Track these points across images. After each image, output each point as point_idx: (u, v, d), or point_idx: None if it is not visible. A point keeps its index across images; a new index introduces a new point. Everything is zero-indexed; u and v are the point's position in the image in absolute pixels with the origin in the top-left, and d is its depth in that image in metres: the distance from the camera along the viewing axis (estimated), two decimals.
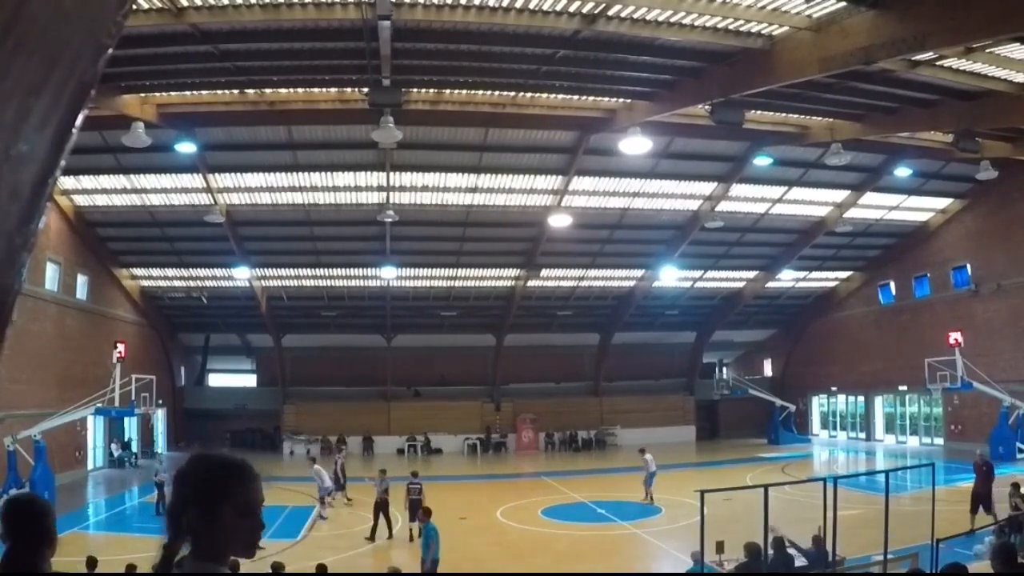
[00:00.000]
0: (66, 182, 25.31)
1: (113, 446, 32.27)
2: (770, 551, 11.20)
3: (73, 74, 0.88)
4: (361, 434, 38.54)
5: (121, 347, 27.01)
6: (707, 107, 19.17)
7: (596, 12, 15.29)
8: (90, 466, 30.03)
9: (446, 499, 22.02)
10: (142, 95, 19.81)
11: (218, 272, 33.58)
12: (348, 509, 21.91)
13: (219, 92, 20.30)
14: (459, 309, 37.32)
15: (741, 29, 16.04)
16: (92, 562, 11.23)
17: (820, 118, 22.34)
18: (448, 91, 20.65)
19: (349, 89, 20.09)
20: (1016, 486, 15.40)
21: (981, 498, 16.10)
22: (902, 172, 27.30)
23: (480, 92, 20.50)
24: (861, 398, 38.93)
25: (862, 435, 38.60)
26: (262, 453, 36.60)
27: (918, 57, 16.51)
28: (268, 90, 20.35)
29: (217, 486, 1.74)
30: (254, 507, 1.77)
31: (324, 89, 20.48)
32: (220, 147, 23.77)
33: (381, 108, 18.79)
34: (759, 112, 21.46)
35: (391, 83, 17.84)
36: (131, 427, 34.63)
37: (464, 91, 20.55)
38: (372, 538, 17.58)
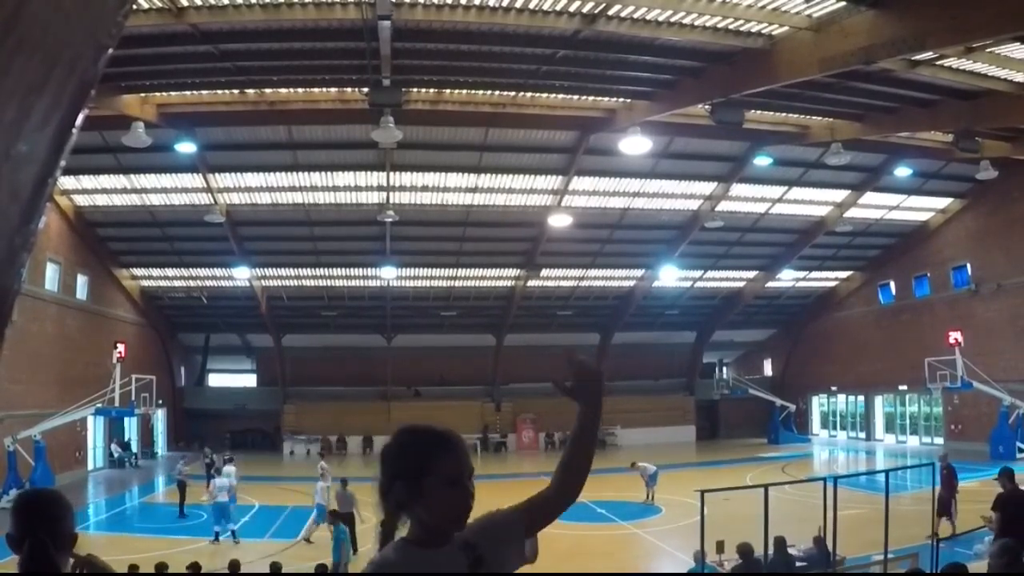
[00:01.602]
0: (66, 182, 25.30)
1: (113, 446, 32.26)
2: (770, 551, 11.20)
3: (73, 74, 0.88)
4: (361, 434, 38.55)
5: (121, 347, 27.05)
6: (707, 107, 19.17)
7: (596, 12, 15.29)
8: (90, 466, 30.03)
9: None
10: (142, 95, 19.81)
11: (218, 272, 33.58)
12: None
13: (219, 92, 20.29)
14: (459, 309, 37.32)
15: (741, 29, 16.03)
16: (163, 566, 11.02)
17: (820, 118, 22.34)
18: (448, 91, 20.64)
19: (349, 89, 20.08)
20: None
21: (943, 503, 15.23)
22: (902, 172, 27.29)
23: (480, 92, 20.49)
24: (861, 398, 38.93)
25: (862, 435, 38.60)
26: (262, 453, 36.61)
27: (918, 57, 16.50)
28: (268, 90, 20.35)
29: (420, 457, 1.74)
30: (460, 477, 1.74)
31: (324, 89, 20.47)
32: (220, 147, 23.77)
33: (381, 108, 18.79)
34: (759, 112, 21.45)
35: (391, 83, 17.84)
36: (131, 427, 34.63)
37: (464, 91, 20.55)
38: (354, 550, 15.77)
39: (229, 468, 21.16)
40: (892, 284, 36.85)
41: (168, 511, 21.38)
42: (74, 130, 0.92)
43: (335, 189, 26.65)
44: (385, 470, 1.78)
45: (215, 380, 45.08)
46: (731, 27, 15.95)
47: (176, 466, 22.71)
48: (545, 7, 15.35)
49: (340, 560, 13.46)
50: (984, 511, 14.42)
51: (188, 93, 20.20)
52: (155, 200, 27.06)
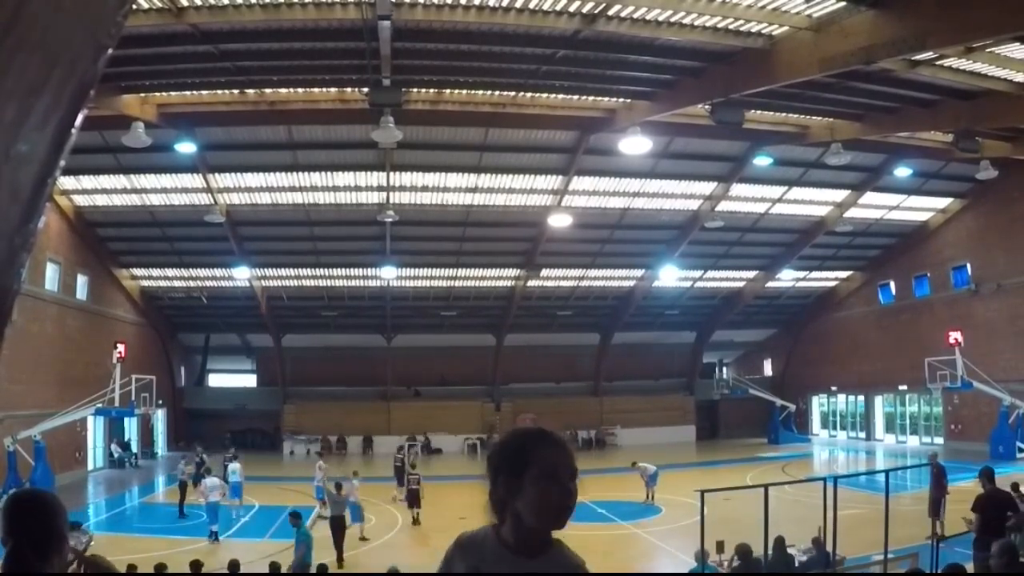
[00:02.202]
0: (66, 182, 25.31)
1: (113, 446, 32.25)
2: (770, 551, 11.20)
3: (73, 74, 0.88)
4: (361, 434, 38.59)
5: (121, 347, 27.04)
6: (707, 107, 19.17)
7: (596, 12, 15.29)
8: (90, 466, 30.02)
9: (446, 499, 22.00)
10: (142, 95, 19.81)
11: (218, 272, 33.58)
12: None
13: (219, 92, 20.29)
14: (459, 309, 37.31)
15: (741, 29, 16.04)
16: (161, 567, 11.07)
17: (820, 118, 22.34)
18: (448, 91, 20.64)
19: (349, 89, 20.09)
20: (1016, 486, 15.40)
21: (933, 503, 15.40)
22: (902, 172, 27.29)
23: (480, 92, 20.49)
24: (861, 398, 38.94)
25: (862, 435, 38.60)
26: (262, 453, 36.61)
27: (918, 57, 16.51)
28: (268, 90, 20.35)
29: (521, 452, 1.75)
30: (559, 472, 1.73)
31: (324, 89, 20.48)
32: (220, 147, 23.77)
33: (381, 108, 18.79)
34: (759, 112, 21.45)
35: (391, 83, 17.84)
36: (131, 427, 34.62)
37: (464, 91, 20.55)
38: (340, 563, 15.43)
39: (235, 465, 21.79)
40: (892, 284, 36.85)
41: (168, 511, 21.39)
42: (74, 130, 0.92)
43: (335, 189, 26.65)
44: (490, 469, 1.80)
45: (215, 380, 45.07)
46: (731, 27, 15.95)
47: (178, 466, 22.75)
48: (545, 7, 15.35)
49: (302, 562, 13.38)
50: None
51: (188, 93, 20.19)
52: (155, 200, 27.06)
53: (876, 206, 30.99)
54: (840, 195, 29.66)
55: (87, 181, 25.59)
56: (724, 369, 47.38)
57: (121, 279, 33.24)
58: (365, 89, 18.54)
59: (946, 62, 17.37)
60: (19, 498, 2.01)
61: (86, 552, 9.82)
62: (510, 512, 1.75)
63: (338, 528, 15.94)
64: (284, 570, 12.41)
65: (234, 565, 12.06)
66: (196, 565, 11.83)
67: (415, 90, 20.09)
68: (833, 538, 11.70)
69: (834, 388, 40.71)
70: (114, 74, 17.60)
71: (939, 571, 10.13)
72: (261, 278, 33.73)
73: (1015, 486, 15.38)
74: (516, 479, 1.72)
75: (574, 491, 1.74)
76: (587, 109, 21.70)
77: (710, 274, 36.39)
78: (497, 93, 20.39)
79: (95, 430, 30.89)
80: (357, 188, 26.61)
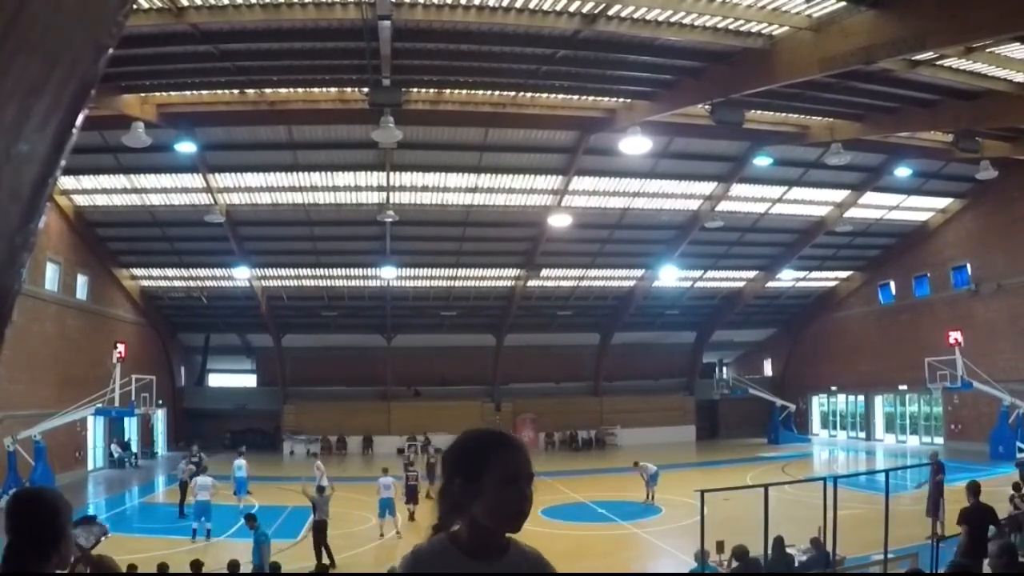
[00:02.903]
0: (66, 182, 25.31)
1: (113, 446, 32.26)
2: (770, 551, 11.20)
3: (74, 74, 0.88)
4: (361, 434, 38.59)
5: (121, 347, 27.04)
6: (707, 107, 19.18)
7: (596, 12, 15.28)
8: (90, 466, 30.03)
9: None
10: (142, 95, 19.81)
11: (218, 272, 33.58)
12: (346, 509, 21.88)
13: (219, 92, 20.29)
14: (459, 309, 37.32)
15: (741, 29, 16.03)
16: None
17: (820, 118, 22.34)
18: (448, 91, 20.64)
19: (349, 89, 20.09)
20: (1017, 486, 15.40)
21: (931, 502, 15.41)
22: (902, 172, 27.30)
23: (480, 92, 20.49)
24: (861, 398, 38.94)
25: (862, 435, 38.60)
26: (262, 453, 36.60)
27: (918, 57, 16.50)
28: (268, 90, 20.34)
29: (479, 456, 1.74)
30: (517, 476, 1.73)
31: (324, 89, 20.47)
32: (220, 147, 23.77)
33: (381, 108, 18.79)
34: (759, 112, 21.45)
35: (391, 83, 17.84)
36: (131, 427, 34.63)
37: (464, 91, 20.54)
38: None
39: (240, 461, 22.20)
40: (892, 284, 36.85)
41: (168, 511, 21.39)
42: (74, 130, 0.92)
43: (335, 189, 26.65)
44: (445, 470, 1.79)
45: (215, 380, 45.09)
46: (731, 27, 15.95)
47: (179, 465, 22.80)
48: (545, 7, 15.35)
49: (259, 563, 13.24)
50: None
51: (188, 93, 20.20)
52: (155, 200, 27.06)
53: (876, 206, 31.00)
54: (840, 195, 29.66)
55: (87, 181, 25.59)
56: (724, 369, 47.40)
57: (121, 279, 33.25)
58: (365, 89, 18.54)
59: (946, 62, 17.36)
60: (19, 496, 2.01)
61: (97, 545, 9.83)
62: (466, 515, 1.74)
63: (319, 531, 15.49)
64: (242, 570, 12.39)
65: (234, 565, 12.06)
66: (196, 565, 11.83)
67: (415, 90, 20.09)
68: (833, 538, 11.70)
69: (834, 388, 40.71)
70: (114, 74, 17.60)
71: (939, 571, 10.15)
72: (261, 278, 33.73)
73: (1016, 486, 15.42)
74: (474, 483, 1.71)
75: (530, 496, 1.74)
76: (587, 109, 21.70)
77: (710, 274, 36.39)
78: (497, 93, 20.38)
79: (95, 430, 30.90)
80: (357, 188, 26.61)
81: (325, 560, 14.83)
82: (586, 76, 19.01)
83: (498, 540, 1.76)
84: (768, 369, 46.55)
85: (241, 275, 32.34)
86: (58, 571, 1.97)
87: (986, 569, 6.72)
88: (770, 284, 37.63)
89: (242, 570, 12.35)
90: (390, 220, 27.10)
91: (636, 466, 22.66)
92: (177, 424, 39.37)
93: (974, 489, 10.31)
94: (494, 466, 1.72)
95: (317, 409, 38.81)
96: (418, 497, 19.83)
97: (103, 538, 11.24)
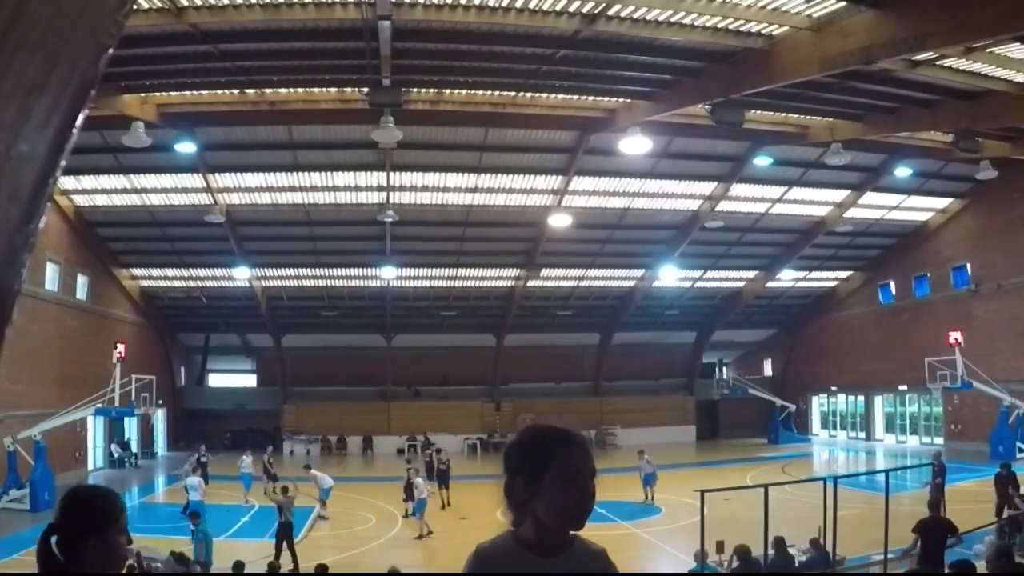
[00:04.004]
0: (66, 182, 25.30)
1: (113, 446, 32.26)
2: (770, 551, 11.21)
3: (74, 74, 0.88)
4: (361, 434, 38.58)
5: (121, 347, 27.01)
6: (707, 107, 19.17)
7: (596, 12, 15.28)
8: (90, 466, 30.00)
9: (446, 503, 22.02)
10: (142, 95, 19.81)
11: (218, 272, 33.57)
12: (346, 509, 21.90)
13: (219, 92, 20.29)
14: (459, 309, 37.31)
15: (741, 29, 16.03)
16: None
17: (820, 118, 22.33)
18: (448, 91, 20.64)
19: (349, 89, 20.08)
20: (1016, 486, 15.42)
21: (934, 501, 15.18)
22: (902, 172, 27.30)
23: (480, 92, 20.49)
24: (861, 398, 38.94)
25: (862, 435, 38.60)
26: (262, 453, 36.56)
27: (918, 57, 16.50)
28: (268, 90, 20.34)
29: (540, 454, 1.73)
30: (579, 475, 1.72)
31: (324, 89, 20.47)
32: (220, 147, 23.77)
33: (381, 108, 18.80)
34: (759, 112, 21.44)
35: (391, 83, 17.84)
36: (131, 427, 34.62)
37: (464, 91, 20.54)
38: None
39: (247, 458, 23.53)
40: (892, 284, 36.85)
41: (168, 511, 21.39)
42: (74, 130, 0.92)
43: (335, 189, 26.64)
44: (507, 468, 1.77)
45: (215, 380, 45.06)
46: (731, 27, 15.95)
47: (184, 466, 22.93)
48: (545, 7, 15.35)
49: (200, 559, 13.22)
50: (981, 510, 14.40)
51: (188, 93, 20.19)
52: (155, 200, 27.06)
53: (876, 206, 30.98)
54: (840, 195, 29.65)
55: (87, 181, 25.59)
56: (724, 369, 47.37)
57: (121, 279, 33.24)
58: (365, 89, 18.55)
59: (946, 62, 17.36)
60: (68, 492, 2.05)
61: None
62: (529, 513, 1.73)
63: (285, 533, 15.31)
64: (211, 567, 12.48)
65: (238, 566, 12.06)
66: (238, 566, 11.90)
67: (415, 90, 20.09)
68: (833, 538, 11.71)
69: (834, 388, 40.70)
70: (114, 74, 17.59)
71: (948, 568, 10.17)
72: (261, 278, 33.72)
73: (1016, 485, 15.44)
74: (535, 481, 1.71)
75: (593, 493, 1.73)
76: (587, 109, 21.70)
77: (710, 274, 36.38)
78: (497, 93, 20.38)
79: (95, 430, 30.89)
80: (357, 188, 26.61)
81: (282, 560, 14.71)
82: (586, 76, 19.00)
83: (562, 537, 1.75)
84: (768, 369, 46.55)
85: (241, 275, 32.33)
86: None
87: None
88: (770, 284, 37.61)
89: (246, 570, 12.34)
90: (390, 220, 27.10)
91: (640, 455, 22.58)
92: (177, 424, 39.36)
93: (935, 504, 10.56)
94: (556, 465, 1.71)
95: (317, 409, 38.80)
96: (413, 494, 19.84)
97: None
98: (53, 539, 1.90)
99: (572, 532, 1.76)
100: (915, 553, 10.59)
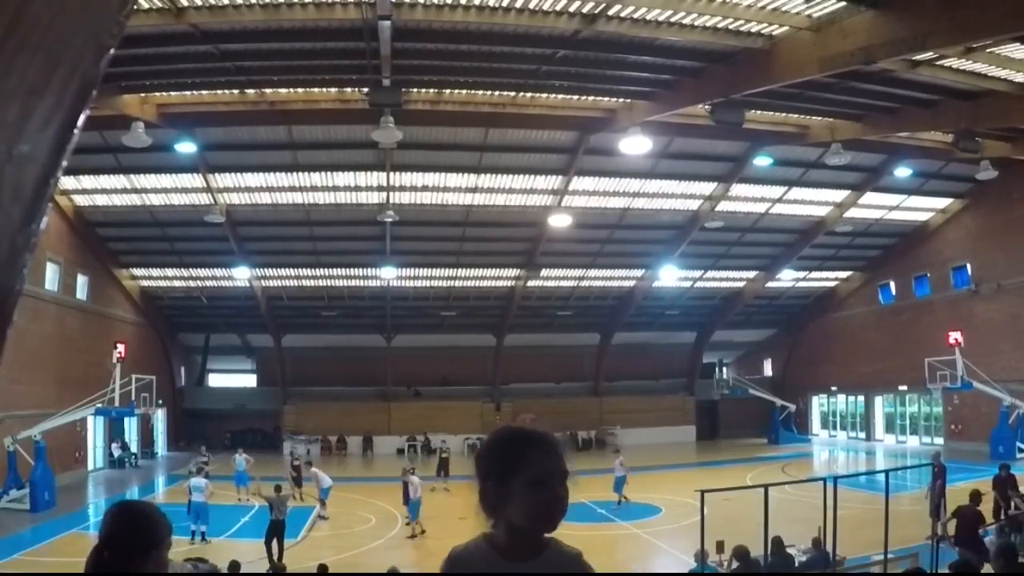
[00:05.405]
0: (66, 182, 25.29)
1: (113, 446, 32.26)
2: (769, 551, 11.20)
3: (75, 74, 0.88)
4: (361, 434, 38.58)
5: (121, 347, 27.01)
6: (707, 107, 19.18)
7: (596, 12, 15.28)
8: (90, 466, 30.01)
9: (446, 499, 22.03)
10: (142, 95, 19.81)
11: (218, 272, 33.58)
12: (346, 509, 21.91)
13: (219, 92, 20.29)
14: (459, 309, 37.32)
15: (741, 29, 16.04)
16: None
17: (820, 118, 22.33)
18: (448, 91, 20.64)
19: (349, 89, 20.09)
20: (1015, 486, 15.41)
21: (934, 502, 15.38)
22: (902, 172, 27.30)
23: (480, 92, 20.49)
24: (861, 398, 38.94)
25: (862, 435, 38.61)
26: (262, 453, 36.58)
27: (918, 57, 16.50)
28: (268, 90, 20.34)
29: (508, 457, 1.72)
30: (548, 477, 1.70)
31: (324, 89, 20.47)
32: (220, 147, 23.77)
33: (381, 108, 18.80)
34: (759, 112, 21.45)
35: (391, 83, 17.84)
36: (131, 427, 34.62)
37: (464, 91, 20.54)
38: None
39: (241, 456, 23.69)
40: (892, 284, 36.85)
41: (167, 511, 21.23)
42: (76, 130, 0.92)
43: (335, 189, 26.65)
44: (478, 473, 1.76)
45: (215, 380, 45.08)
46: (731, 27, 15.95)
47: (188, 467, 22.99)
48: (545, 7, 15.35)
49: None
50: (981, 511, 14.37)
51: (188, 93, 20.19)
52: (155, 200, 27.06)
53: (876, 206, 30.99)
54: (840, 195, 29.66)
55: (87, 181, 25.59)
56: (724, 369, 47.40)
57: (121, 279, 33.24)
58: (365, 89, 18.54)
59: (946, 62, 17.37)
60: (119, 509, 2.13)
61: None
62: (502, 516, 1.72)
63: (275, 531, 15.27)
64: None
65: (234, 565, 12.05)
66: (234, 566, 11.89)
67: (415, 90, 20.09)
68: (833, 538, 11.71)
69: (834, 388, 40.71)
70: (114, 74, 17.59)
71: (939, 571, 10.15)
72: (261, 278, 33.73)
73: (1015, 485, 15.43)
74: (505, 484, 1.69)
75: (566, 495, 1.71)
76: (587, 109, 21.70)
77: (710, 274, 36.39)
78: (497, 93, 20.39)
79: (95, 430, 30.88)
80: (357, 188, 26.61)
81: (277, 559, 14.70)
82: (586, 76, 19.00)
83: (535, 540, 1.73)
84: (768, 369, 46.56)
85: (241, 275, 32.34)
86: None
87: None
88: (770, 284, 37.62)
89: (242, 569, 12.34)
90: (390, 220, 27.10)
91: (616, 454, 22.65)
92: (177, 424, 39.36)
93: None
94: (525, 467, 1.69)
95: (317, 409, 38.81)
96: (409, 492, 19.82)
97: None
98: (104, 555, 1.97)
99: (547, 535, 1.75)
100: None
